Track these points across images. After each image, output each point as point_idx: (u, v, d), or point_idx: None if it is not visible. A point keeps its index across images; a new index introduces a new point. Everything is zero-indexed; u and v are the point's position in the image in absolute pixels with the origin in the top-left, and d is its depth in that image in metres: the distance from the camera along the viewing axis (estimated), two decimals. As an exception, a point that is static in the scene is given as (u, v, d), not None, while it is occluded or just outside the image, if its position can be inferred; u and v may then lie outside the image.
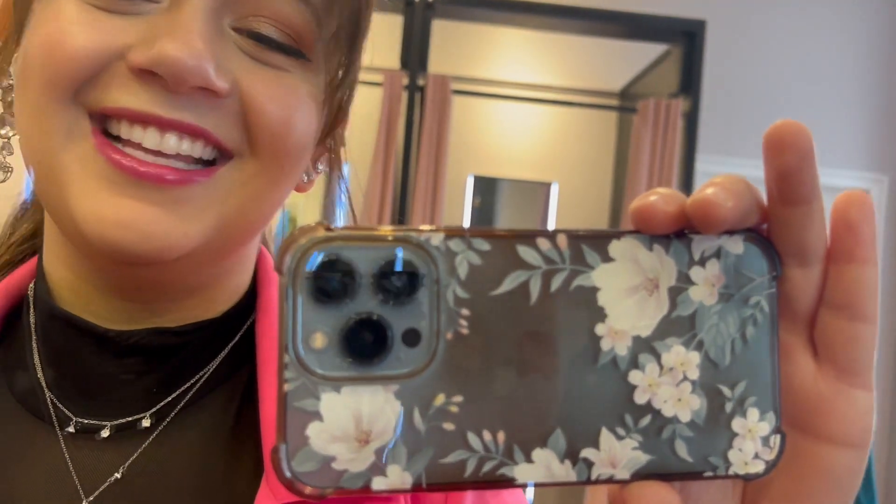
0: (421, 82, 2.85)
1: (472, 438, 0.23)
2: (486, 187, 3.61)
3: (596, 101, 3.52)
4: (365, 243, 0.22)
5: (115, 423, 0.39)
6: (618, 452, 0.24)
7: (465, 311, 0.23)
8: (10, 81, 0.39)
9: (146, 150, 0.35)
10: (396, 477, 0.22)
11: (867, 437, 0.25)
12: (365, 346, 0.22)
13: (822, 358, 0.25)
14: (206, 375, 0.41)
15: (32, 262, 0.44)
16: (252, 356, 0.41)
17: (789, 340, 0.25)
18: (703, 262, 0.24)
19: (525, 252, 0.23)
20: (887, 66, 3.90)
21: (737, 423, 0.24)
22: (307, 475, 0.22)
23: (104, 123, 0.35)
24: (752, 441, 0.24)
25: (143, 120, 0.34)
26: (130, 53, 0.34)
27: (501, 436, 0.23)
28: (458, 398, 0.23)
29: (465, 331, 0.23)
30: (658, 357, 0.24)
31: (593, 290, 0.23)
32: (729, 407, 0.24)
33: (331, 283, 0.22)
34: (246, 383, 0.41)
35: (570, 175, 3.65)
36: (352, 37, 0.39)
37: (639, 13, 3.11)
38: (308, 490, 0.22)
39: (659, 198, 0.23)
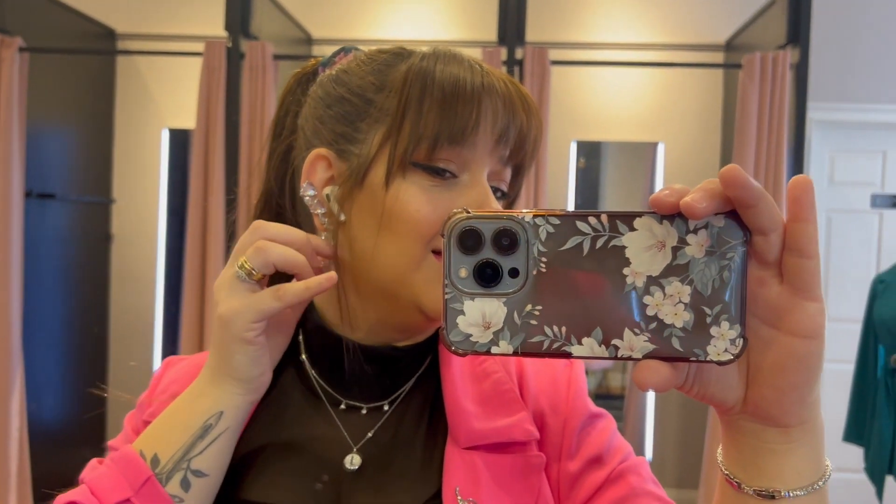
0: (519, 55, 2.87)
1: (547, 329, 0.38)
2: (591, 151, 3.59)
3: (699, 59, 3.41)
4: (487, 220, 0.38)
5: (369, 405, 0.65)
6: (635, 343, 0.37)
7: (543, 259, 0.38)
8: (321, 210, 0.63)
9: None
10: (504, 347, 0.38)
11: (819, 331, 0.37)
12: (488, 276, 0.38)
13: (785, 282, 0.38)
14: (416, 377, 0.66)
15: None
16: (437, 369, 0.67)
17: (764, 274, 0.38)
18: (695, 231, 0.36)
19: (581, 225, 0.37)
20: None
21: (713, 330, 0.37)
22: (457, 343, 0.38)
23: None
24: (723, 341, 0.37)
25: None
26: None
27: (564, 329, 0.37)
28: (539, 307, 0.38)
29: (544, 269, 0.38)
30: (663, 288, 0.37)
31: (623, 248, 0.37)
32: (709, 320, 0.37)
33: (468, 241, 0.38)
34: (436, 384, 0.66)
35: (677, 134, 3.57)
36: (520, 180, 0.69)
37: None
38: (459, 350, 0.38)
39: (668, 192, 0.36)
